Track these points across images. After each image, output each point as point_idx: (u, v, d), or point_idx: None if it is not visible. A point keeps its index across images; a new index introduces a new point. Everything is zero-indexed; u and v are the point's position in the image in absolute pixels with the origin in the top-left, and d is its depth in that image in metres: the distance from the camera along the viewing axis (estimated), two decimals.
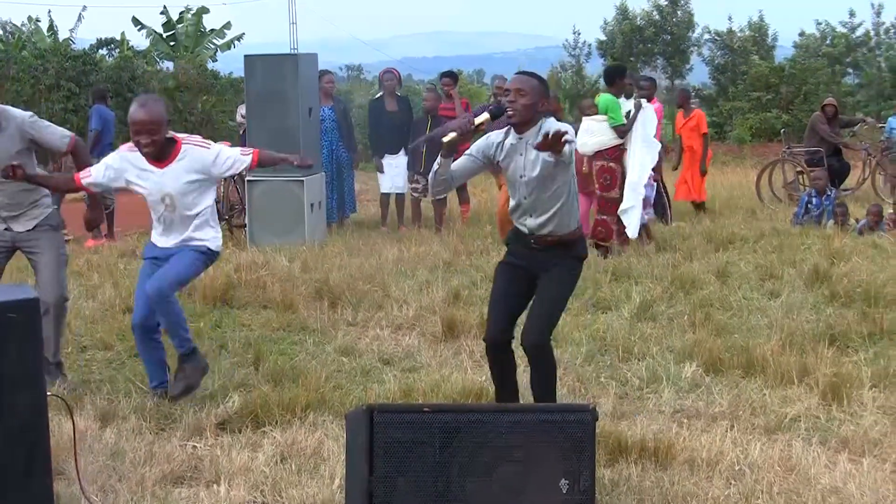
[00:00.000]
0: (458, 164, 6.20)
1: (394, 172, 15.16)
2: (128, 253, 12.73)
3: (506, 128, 6.16)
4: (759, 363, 7.42)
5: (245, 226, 13.92)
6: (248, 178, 13.64)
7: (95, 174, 6.88)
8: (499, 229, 12.73)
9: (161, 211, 6.84)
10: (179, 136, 6.89)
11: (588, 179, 12.49)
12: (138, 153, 6.72)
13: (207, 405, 6.69)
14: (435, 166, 6.11)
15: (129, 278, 10.62)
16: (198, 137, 6.98)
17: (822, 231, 13.57)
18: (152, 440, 6.10)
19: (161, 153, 6.71)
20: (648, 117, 12.69)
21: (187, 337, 6.88)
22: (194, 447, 6.03)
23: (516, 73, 6.25)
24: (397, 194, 15.37)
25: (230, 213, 14.75)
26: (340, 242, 13.32)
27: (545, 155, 5.85)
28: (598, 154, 12.49)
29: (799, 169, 17.85)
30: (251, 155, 6.92)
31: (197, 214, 6.84)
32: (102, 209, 7.45)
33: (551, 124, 5.93)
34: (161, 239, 6.97)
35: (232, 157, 6.88)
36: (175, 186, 6.72)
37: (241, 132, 16.25)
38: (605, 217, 12.49)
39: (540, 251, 6.11)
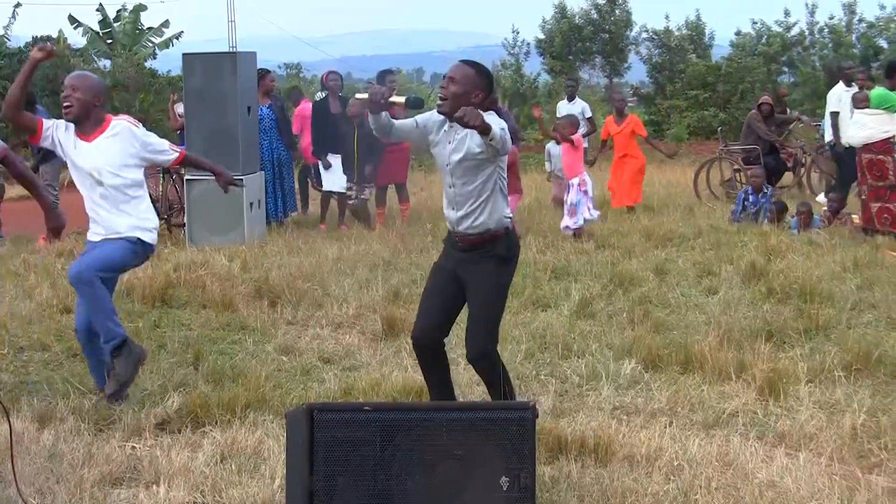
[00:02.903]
0: (402, 121, 6.15)
1: (335, 172, 15.12)
2: (65, 253, 12.61)
3: None
4: (697, 359, 7.49)
5: (184, 225, 13.83)
6: (186, 177, 13.58)
7: (50, 124, 6.84)
8: None
9: (90, 186, 6.74)
10: (109, 115, 6.90)
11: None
12: (72, 126, 6.76)
13: (147, 405, 6.65)
14: (370, 120, 6.07)
15: (66, 278, 10.52)
16: (127, 116, 6.94)
17: (759, 228, 13.71)
18: (91, 441, 6.05)
19: (86, 125, 6.73)
20: None
21: (115, 328, 6.73)
22: (133, 448, 5.99)
23: (460, 61, 6.12)
24: (339, 193, 15.33)
25: (169, 212, 14.66)
26: (280, 241, 13.28)
27: (474, 144, 5.83)
28: (866, 147, 13.00)
29: (736, 167, 18.02)
30: (178, 153, 7.04)
31: (126, 194, 6.75)
32: (59, 214, 7.17)
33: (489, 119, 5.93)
34: (95, 229, 6.86)
35: (161, 144, 6.96)
36: (103, 160, 6.67)
37: (178, 131, 16.17)
38: (888, 205, 12.92)
39: (463, 251, 6.06)
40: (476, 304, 6.01)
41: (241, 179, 7.47)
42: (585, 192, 13.39)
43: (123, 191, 6.75)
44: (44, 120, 6.86)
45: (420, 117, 6.16)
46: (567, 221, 13.30)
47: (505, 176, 6.09)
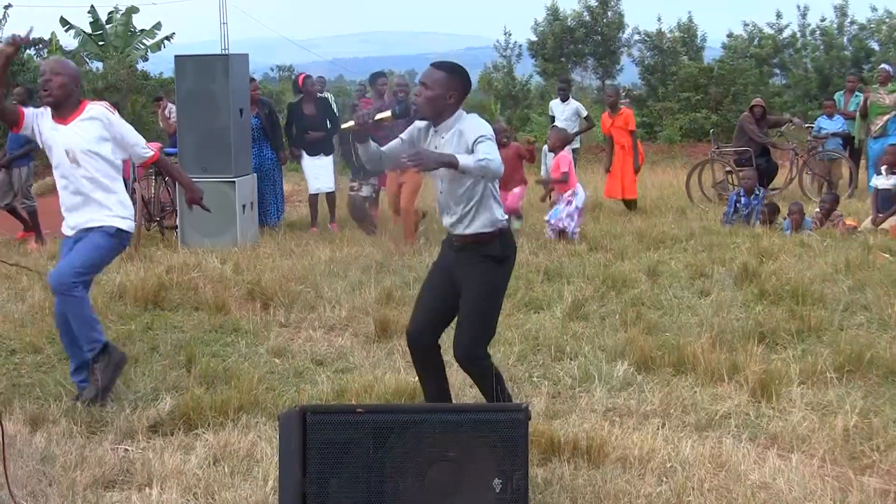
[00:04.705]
0: (390, 145, 6.16)
1: (318, 173, 15.24)
2: (57, 255, 12.57)
3: None
4: (689, 361, 7.50)
5: (176, 227, 13.83)
6: None
7: (28, 111, 6.92)
8: (403, 229, 13.15)
9: (66, 169, 6.79)
10: (85, 100, 7.01)
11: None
12: (49, 111, 6.85)
13: (139, 408, 6.64)
14: (359, 151, 6.13)
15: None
16: (104, 102, 7.06)
17: (751, 230, 13.74)
18: (83, 444, 6.04)
19: (64, 109, 6.82)
20: None
21: (96, 336, 6.80)
22: (126, 450, 5.99)
23: (430, 65, 6.10)
24: (326, 193, 15.40)
25: (161, 214, 14.65)
26: (272, 243, 13.29)
27: (453, 147, 5.82)
28: None
29: (728, 168, 18.04)
30: (152, 152, 7.06)
31: (100, 180, 6.79)
32: None
33: (466, 122, 5.90)
34: (70, 218, 6.90)
35: (134, 137, 6.97)
36: (78, 142, 6.74)
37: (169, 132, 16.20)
38: None
39: (459, 250, 6.07)
40: (466, 303, 6.01)
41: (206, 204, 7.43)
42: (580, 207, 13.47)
43: (98, 176, 6.79)
44: (24, 110, 6.93)
45: (404, 134, 6.16)
46: (568, 224, 13.28)
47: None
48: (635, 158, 16.34)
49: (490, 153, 5.62)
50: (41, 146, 6.98)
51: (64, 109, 6.82)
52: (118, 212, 6.88)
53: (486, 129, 5.84)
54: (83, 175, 6.76)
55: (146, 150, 7.05)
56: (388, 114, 6.05)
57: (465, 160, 5.53)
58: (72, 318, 6.76)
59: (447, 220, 6.08)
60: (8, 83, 6.88)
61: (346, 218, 15.30)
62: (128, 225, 6.94)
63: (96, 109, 6.87)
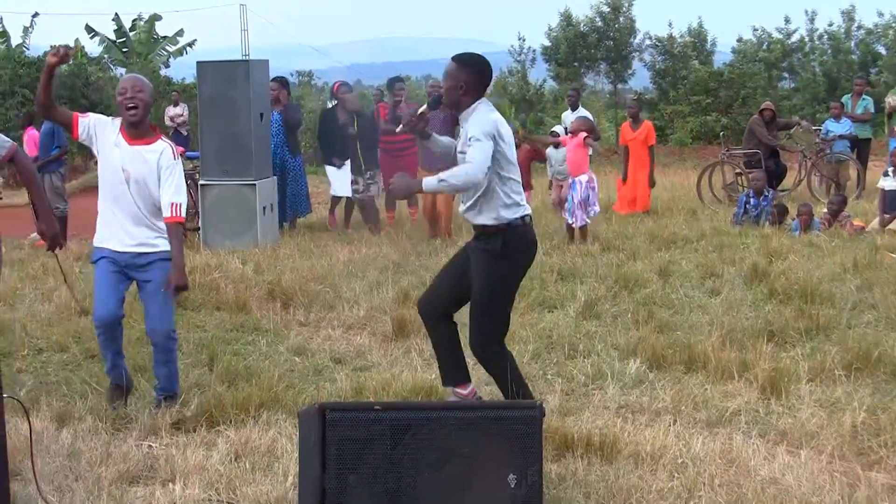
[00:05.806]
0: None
1: (340, 179, 15.39)
2: (83, 256, 12.70)
3: None
4: (700, 359, 7.57)
5: (198, 229, 13.95)
6: (200, 181, 13.72)
7: (86, 118, 6.69)
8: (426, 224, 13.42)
9: (116, 185, 6.57)
10: (158, 130, 6.88)
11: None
12: (118, 124, 6.64)
13: (162, 405, 6.73)
14: (430, 147, 6.52)
15: (84, 282, 10.60)
16: (179, 148, 6.86)
17: (761, 231, 13.80)
18: (108, 440, 6.14)
19: (139, 129, 6.62)
20: None
21: (177, 384, 6.96)
22: (150, 447, 6.08)
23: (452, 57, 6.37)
24: (347, 198, 15.55)
25: None
26: (292, 244, 13.40)
27: (462, 141, 6.11)
28: None
29: (738, 170, 18.10)
30: (171, 216, 6.56)
31: (148, 205, 6.59)
32: (54, 220, 6.95)
33: (473, 117, 6.11)
34: (111, 238, 6.67)
35: (166, 195, 6.57)
36: (134, 167, 6.54)
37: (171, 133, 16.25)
38: None
39: (475, 238, 6.31)
40: (472, 297, 6.26)
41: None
42: (594, 189, 13.43)
43: (146, 201, 6.60)
44: (78, 115, 6.69)
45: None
46: (578, 217, 13.25)
47: (506, 173, 6.17)
48: (651, 172, 16.44)
49: (472, 157, 5.94)
50: (95, 153, 6.76)
51: (139, 129, 6.62)
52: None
53: (483, 126, 6.03)
54: (134, 194, 6.57)
55: (170, 211, 6.54)
56: (424, 107, 6.38)
57: (427, 183, 6.03)
58: (166, 363, 6.83)
59: (462, 208, 6.32)
60: (53, 93, 6.69)
61: (361, 223, 15.41)
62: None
63: (166, 149, 6.63)
